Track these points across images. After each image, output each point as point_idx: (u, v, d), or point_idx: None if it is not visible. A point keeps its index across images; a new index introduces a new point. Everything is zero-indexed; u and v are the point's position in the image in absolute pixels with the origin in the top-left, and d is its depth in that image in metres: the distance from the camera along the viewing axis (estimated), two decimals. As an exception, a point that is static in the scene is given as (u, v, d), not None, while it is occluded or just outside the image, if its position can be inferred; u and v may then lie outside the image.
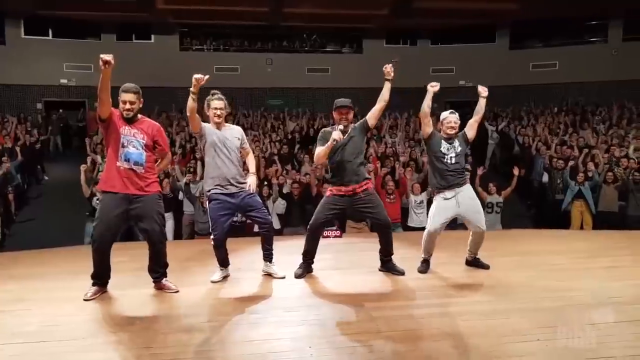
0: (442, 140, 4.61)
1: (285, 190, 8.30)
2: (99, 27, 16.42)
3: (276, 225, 7.84)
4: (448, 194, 4.52)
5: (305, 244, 4.59)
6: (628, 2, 14.75)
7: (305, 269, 4.58)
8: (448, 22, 16.57)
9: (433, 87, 4.58)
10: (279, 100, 17.14)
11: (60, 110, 15.95)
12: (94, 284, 4.02)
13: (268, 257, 4.55)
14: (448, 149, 4.58)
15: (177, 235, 8.27)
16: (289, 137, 12.28)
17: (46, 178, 12.47)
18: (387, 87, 4.51)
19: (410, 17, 15.49)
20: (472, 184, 5.51)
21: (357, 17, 15.60)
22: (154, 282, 4.18)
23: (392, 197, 8.03)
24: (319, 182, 8.23)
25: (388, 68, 4.46)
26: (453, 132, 4.62)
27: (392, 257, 4.63)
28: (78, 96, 16.20)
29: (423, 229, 4.84)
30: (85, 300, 3.90)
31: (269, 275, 4.55)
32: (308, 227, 4.58)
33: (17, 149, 10.97)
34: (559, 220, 8.69)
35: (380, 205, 4.54)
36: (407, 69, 16.44)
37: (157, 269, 4.15)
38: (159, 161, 4.27)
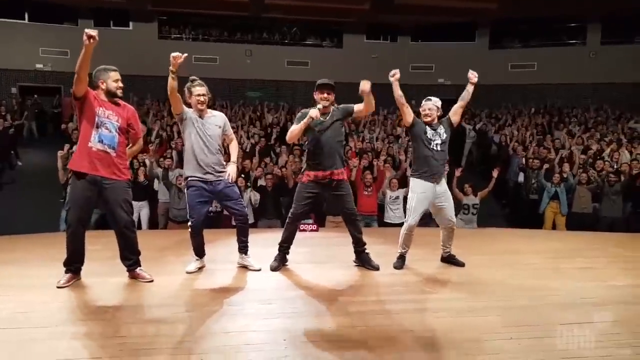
0: (427, 127, 4.62)
1: (260, 182, 8.27)
2: (77, 12, 16.05)
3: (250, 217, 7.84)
4: (427, 181, 4.54)
5: (284, 232, 4.59)
6: (606, 5, 15.04)
7: (281, 261, 4.57)
8: (429, 19, 16.67)
9: (394, 76, 4.50)
10: (258, 92, 17.06)
11: (35, 96, 15.58)
12: (67, 271, 3.96)
13: (243, 249, 4.54)
14: (433, 135, 4.59)
15: (153, 224, 8.19)
16: (267, 129, 12.21)
17: (20, 164, 12.20)
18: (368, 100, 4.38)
19: (391, 13, 15.54)
20: (450, 185, 5.57)
21: (338, 11, 15.59)
22: (127, 270, 4.13)
23: (369, 189, 8.07)
24: (295, 174, 8.21)
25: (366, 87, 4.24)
26: (429, 119, 4.62)
27: (367, 248, 4.64)
28: (54, 82, 15.86)
29: (399, 224, 4.86)
30: (58, 287, 3.84)
31: (244, 267, 4.53)
32: (289, 215, 4.57)
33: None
34: (532, 220, 8.83)
35: (350, 195, 4.55)
36: (387, 65, 16.57)
37: (130, 256, 4.10)
38: (130, 145, 4.20)
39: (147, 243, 4.32)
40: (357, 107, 4.45)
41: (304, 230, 6.39)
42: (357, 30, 17.52)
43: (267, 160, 9.53)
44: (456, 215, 4.99)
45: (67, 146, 8.59)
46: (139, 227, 7.64)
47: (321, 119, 4.34)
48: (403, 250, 4.70)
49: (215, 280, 4.18)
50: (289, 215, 4.57)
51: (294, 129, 4.40)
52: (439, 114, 4.70)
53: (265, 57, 17.13)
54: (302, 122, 4.30)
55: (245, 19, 16.93)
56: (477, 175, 11.02)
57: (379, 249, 5.17)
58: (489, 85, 16.47)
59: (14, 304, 3.52)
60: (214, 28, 17.72)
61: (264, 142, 10.67)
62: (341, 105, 4.52)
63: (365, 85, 4.20)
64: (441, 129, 4.64)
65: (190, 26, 17.52)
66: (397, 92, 4.57)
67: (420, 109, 4.71)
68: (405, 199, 8.01)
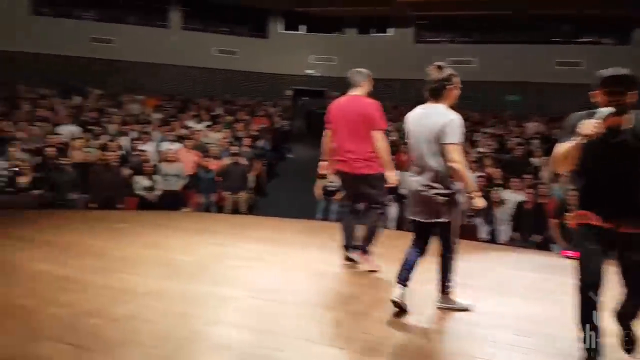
0: None
1: (519, 198, 7.37)
2: (342, 22, 17.54)
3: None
4: None
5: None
6: None
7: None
8: None
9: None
10: (517, 97, 15.99)
11: (306, 98, 17.65)
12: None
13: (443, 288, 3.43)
14: None
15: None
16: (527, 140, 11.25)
17: (291, 156, 13.87)
18: None
19: None
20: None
21: None
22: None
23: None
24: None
25: None
26: None
27: None
28: (320, 85, 17.59)
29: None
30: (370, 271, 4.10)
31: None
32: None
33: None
34: None
35: None
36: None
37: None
38: None
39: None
40: None
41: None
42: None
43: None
44: None
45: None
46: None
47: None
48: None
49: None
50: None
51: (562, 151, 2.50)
52: None
53: (529, 59, 15.91)
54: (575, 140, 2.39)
55: (508, 18, 16.00)
56: None
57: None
58: None
59: (275, 277, 3.99)
60: (473, 30, 17.22)
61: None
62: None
63: None
64: None
65: (447, 29, 17.42)
66: None
67: None
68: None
